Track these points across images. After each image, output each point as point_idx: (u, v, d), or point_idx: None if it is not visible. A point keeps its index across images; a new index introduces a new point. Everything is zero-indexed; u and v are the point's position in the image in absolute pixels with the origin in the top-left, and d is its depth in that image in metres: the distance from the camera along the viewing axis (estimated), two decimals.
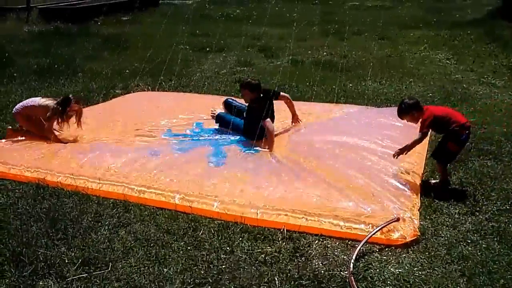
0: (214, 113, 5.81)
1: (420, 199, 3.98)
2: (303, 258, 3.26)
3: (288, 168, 4.53)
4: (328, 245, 3.40)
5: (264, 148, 5.02)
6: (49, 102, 5.33)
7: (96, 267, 3.16)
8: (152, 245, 3.41)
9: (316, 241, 3.44)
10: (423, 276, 3.06)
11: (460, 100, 6.78)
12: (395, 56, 9.93)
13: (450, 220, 3.71)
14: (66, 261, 3.21)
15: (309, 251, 3.33)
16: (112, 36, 12.15)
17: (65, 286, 3.00)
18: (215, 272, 3.11)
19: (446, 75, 8.34)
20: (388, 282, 3.01)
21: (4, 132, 5.58)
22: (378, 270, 3.13)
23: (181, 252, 3.33)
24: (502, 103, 6.64)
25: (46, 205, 3.97)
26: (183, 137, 5.48)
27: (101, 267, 3.16)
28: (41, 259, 3.22)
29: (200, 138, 5.46)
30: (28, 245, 3.38)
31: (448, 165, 4.44)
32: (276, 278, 3.04)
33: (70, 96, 5.43)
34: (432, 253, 3.30)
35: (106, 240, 3.46)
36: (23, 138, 5.34)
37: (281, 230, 3.55)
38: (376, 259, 3.25)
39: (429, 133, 4.45)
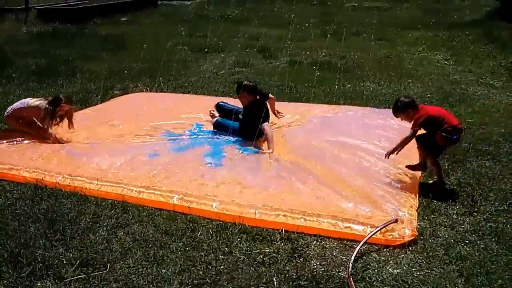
0: (213, 113, 5.81)
1: (418, 199, 3.99)
2: (301, 259, 3.26)
3: (286, 169, 4.52)
4: (327, 246, 3.41)
5: (265, 149, 5.01)
6: (40, 102, 5.32)
7: (94, 268, 3.15)
8: (150, 246, 3.41)
9: (315, 242, 3.45)
10: (421, 277, 3.06)
11: (458, 101, 6.78)
12: (394, 57, 9.95)
13: (448, 220, 3.71)
14: (64, 262, 3.20)
15: (308, 252, 3.34)
16: (110, 36, 12.14)
17: (63, 287, 3.00)
18: (213, 272, 3.11)
19: (445, 75, 8.36)
20: (386, 282, 3.01)
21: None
22: (376, 270, 3.13)
23: (179, 253, 3.33)
24: (500, 104, 6.66)
25: (44, 206, 3.97)
26: (182, 137, 5.47)
27: (99, 268, 3.15)
28: (39, 260, 3.22)
29: (198, 138, 5.45)
30: (26, 246, 3.37)
31: (447, 165, 4.46)
32: (274, 279, 3.04)
33: (60, 96, 5.44)
34: (430, 254, 3.30)
35: (104, 241, 3.46)
36: (21, 138, 5.32)
37: (280, 230, 3.55)
38: (374, 259, 3.26)
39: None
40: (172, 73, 8.36)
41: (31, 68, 9.05)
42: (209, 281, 3.03)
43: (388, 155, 4.26)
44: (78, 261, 3.19)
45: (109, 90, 7.61)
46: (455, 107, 6.45)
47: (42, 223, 3.68)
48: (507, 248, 3.36)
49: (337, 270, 3.12)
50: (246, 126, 5.26)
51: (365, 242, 3.34)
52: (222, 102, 5.93)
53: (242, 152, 4.96)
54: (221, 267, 3.17)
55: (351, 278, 2.98)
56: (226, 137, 5.35)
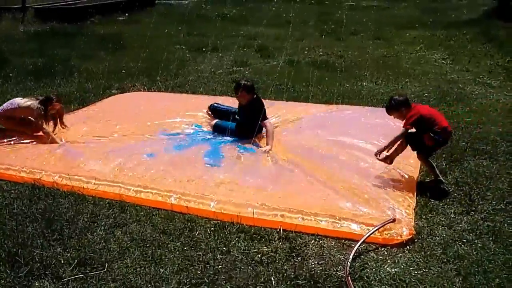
0: (210, 112, 5.81)
1: (416, 198, 4.00)
2: (299, 258, 3.26)
3: (285, 168, 4.53)
4: (324, 245, 3.41)
5: (264, 147, 5.01)
6: (31, 102, 5.31)
7: (92, 268, 3.15)
8: (148, 245, 3.41)
9: (312, 241, 3.45)
10: (419, 276, 3.07)
11: (455, 100, 6.80)
12: (391, 56, 9.95)
13: (445, 219, 3.72)
14: (62, 262, 3.20)
15: (306, 251, 3.34)
16: (108, 36, 12.11)
17: (61, 286, 3.00)
18: (211, 272, 3.11)
19: (442, 75, 8.37)
20: (384, 281, 3.02)
21: None
22: (374, 269, 3.14)
23: (177, 252, 3.33)
24: (497, 103, 6.67)
25: (42, 205, 3.96)
26: (180, 137, 5.46)
27: (97, 268, 3.15)
28: (37, 259, 3.21)
29: (197, 137, 5.45)
30: (24, 245, 3.37)
31: (445, 165, 4.46)
32: (272, 278, 3.05)
33: (51, 95, 5.46)
34: (428, 253, 3.31)
35: (102, 241, 3.46)
36: (16, 138, 5.31)
37: (278, 230, 3.55)
38: (372, 258, 3.26)
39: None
40: (170, 72, 8.35)
41: (28, 67, 9.02)
42: (207, 281, 3.03)
43: (379, 153, 4.29)
44: (76, 261, 3.19)
45: (107, 89, 7.59)
46: (452, 107, 6.46)
47: (39, 223, 3.67)
48: (505, 247, 3.37)
49: (335, 269, 3.13)
50: (245, 124, 5.27)
51: (363, 242, 3.35)
52: (215, 103, 5.90)
53: (241, 152, 4.96)
54: (219, 266, 3.17)
55: (349, 278, 2.98)
56: (224, 137, 5.35)
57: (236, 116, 5.44)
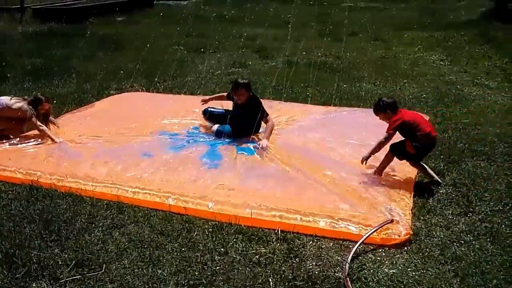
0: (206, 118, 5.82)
1: (414, 199, 4.00)
2: (297, 259, 3.26)
3: (282, 169, 4.53)
4: (322, 246, 3.41)
5: (261, 142, 5.00)
6: (21, 104, 5.31)
7: (89, 269, 3.15)
8: (146, 246, 3.41)
9: (310, 242, 3.45)
10: (416, 277, 3.07)
11: (453, 101, 6.81)
12: (389, 57, 9.96)
13: (443, 220, 3.73)
14: (60, 263, 3.19)
15: (303, 252, 3.34)
16: (106, 36, 12.11)
17: (58, 287, 2.99)
18: (209, 273, 3.11)
19: (440, 76, 8.38)
20: (382, 282, 3.02)
21: None
22: (372, 270, 3.14)
23: (175, 253, 3.33)
24: (495, 104, 6.68)
25: (39, 206, 3.95)
26: (178, 137, 5.46)
27: (94, 269, 3.15)
28: (34, 260, 3.21)
29: (195, 138, 5.44)
30: (21, 246, 3.36)
31: (443, 166, 4.46)
32: (270, 279, 3.04)
33: (39, 95, 5.51)
34: (426, 254, 3.31)
35: (100, 242, 3.45)
36: (11, 137, 5.31)
37: (276, 230, 3.55)
38: (370, 259, 3.26)
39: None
40: (168, 73, 8.35)
41: (27, 68, 9.02)
42: (204, 282, 3.03)
43: (365, 160, 4.34)
44: (74, 262, 3.19)
45: (105, 90, 7.59)
46: (450, 108, 6.47)
47: (37, 224, 3.67)
48: (502, 248, 3.37)
49: (333, 271, 3.13)
50: (243, 123, 5.26)
51: (361, 243, 3.35)
52: (209, 108, 5.85)
53: (238, 153, 4.95)
54: (217, 267, 3.17)
55: (348, 279, 2.98)
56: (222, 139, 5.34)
57: (229, 116, 5.43)
